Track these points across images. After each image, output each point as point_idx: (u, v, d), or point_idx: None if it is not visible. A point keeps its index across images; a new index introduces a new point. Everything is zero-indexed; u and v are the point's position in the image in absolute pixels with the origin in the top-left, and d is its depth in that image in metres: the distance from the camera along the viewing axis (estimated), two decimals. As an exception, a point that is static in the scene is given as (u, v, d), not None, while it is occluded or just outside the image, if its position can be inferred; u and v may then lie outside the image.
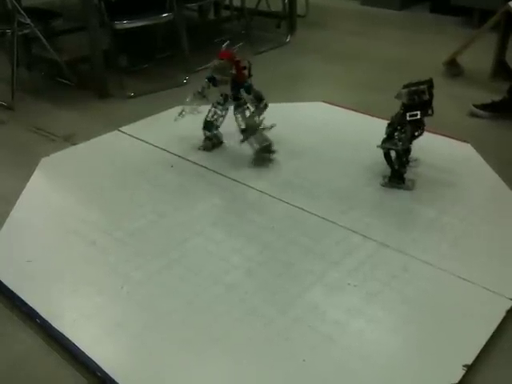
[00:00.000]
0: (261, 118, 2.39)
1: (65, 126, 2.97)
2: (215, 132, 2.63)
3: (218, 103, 2.55)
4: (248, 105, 2.44)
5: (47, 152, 2.65)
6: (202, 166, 2.50)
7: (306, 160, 2.53)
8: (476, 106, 2.99)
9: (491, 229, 2.05)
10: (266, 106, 2.43)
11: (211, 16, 4.71)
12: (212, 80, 2.48)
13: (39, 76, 3.73)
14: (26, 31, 3.32)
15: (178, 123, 2.49)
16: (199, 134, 2.62)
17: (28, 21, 3.26)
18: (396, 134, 2.18)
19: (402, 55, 3.93)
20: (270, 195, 2.28)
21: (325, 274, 1.84)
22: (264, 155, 2.47)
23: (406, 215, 2.12)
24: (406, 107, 2.15)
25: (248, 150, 2.50)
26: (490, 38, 3.40)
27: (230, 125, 2.53)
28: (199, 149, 2.63)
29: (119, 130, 2.86)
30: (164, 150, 2.65)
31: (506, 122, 2.90)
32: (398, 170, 2.23)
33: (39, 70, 3.75)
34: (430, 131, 2.32)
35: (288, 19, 4.43)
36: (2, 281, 1.83)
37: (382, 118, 2.64)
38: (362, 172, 2.39)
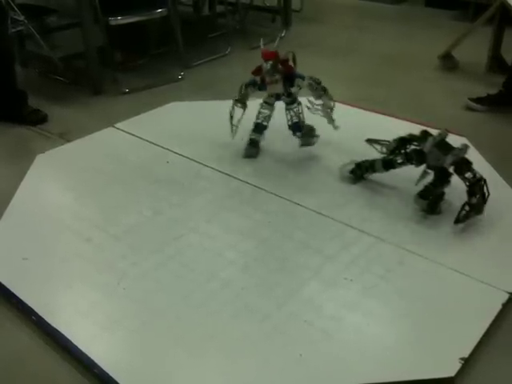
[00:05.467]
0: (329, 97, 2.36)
1: (60, 122, 2.95)
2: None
3: (266, 103, 2.43)
4: (299, 100, 2.40)
5: (42, 149, 2.64)
6: (197, 161, 2.50)
7: (301, 155, 2.52)
8: (472, 100, 2.98)
9: (487, 222, 2.05)
10: (325, 88, 2.35)
11: (206, 11, 4.69)
12: (253, 84, 2.39)
13: (33, 73, 3.71)
14: (19, 28, 3.30)
15: (172, 119, 2.47)
16: (194, 129, 2.61)
17: (22, 17, 3.24)
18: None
19: (398, 49, 3.92)
20: (265, 190, 2.28)
21: (321, 269, 1.84)
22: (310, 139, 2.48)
23: (401, 209, 2.12)
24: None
25: (241, 144, 2.50)
26: (485, 31, 3.40)
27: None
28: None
29: (114, 127, 2.85)
30: (159, 146, 2.64)
31: (501, 116, 2.90)
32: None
33: (33, 66, 3.73)
34: (425, 125, 2.32)
35: (283, 14, 4.43)
36: (-2, 278, 1.83)
37: (378, 113, 2.65)
38: (357, 166, 2.38)
